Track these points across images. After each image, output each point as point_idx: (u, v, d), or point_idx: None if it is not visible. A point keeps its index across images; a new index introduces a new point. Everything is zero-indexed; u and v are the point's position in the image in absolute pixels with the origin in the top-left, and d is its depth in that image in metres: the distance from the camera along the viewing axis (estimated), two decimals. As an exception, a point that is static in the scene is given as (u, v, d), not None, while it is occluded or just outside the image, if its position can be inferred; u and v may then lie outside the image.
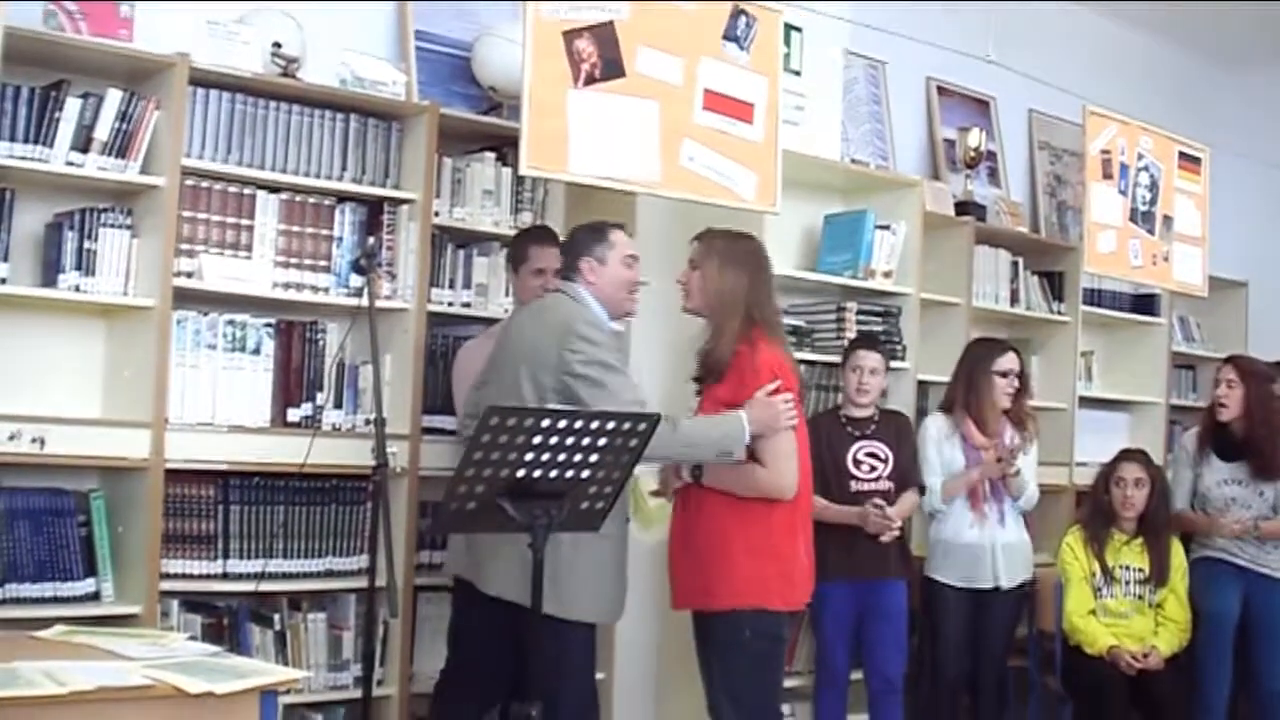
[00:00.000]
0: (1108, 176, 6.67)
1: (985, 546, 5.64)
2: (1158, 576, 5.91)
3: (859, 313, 6.13)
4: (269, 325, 4.81)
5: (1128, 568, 5.93)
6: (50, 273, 4.42)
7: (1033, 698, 6.20)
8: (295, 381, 4.88)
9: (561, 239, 5.00)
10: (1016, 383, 5.79)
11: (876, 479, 5.52)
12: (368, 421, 4.32)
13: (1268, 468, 6.13)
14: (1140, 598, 5.91)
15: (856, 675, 5.68)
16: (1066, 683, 5.95)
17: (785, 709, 5.92)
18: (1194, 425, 6.60)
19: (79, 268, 4.41)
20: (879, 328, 6.15)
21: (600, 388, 4.23)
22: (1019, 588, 5.77)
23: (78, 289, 4.41)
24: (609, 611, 4.45)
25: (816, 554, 4.69)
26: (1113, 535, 5.96)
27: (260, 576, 4.70)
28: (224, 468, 4.65)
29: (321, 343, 4.93)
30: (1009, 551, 5.69)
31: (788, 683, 5.94)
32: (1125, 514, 5.97)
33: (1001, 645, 5.78)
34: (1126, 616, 5.88)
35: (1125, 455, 6.11)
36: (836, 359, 5.88)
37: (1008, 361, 5.77)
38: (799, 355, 5.95)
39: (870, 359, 5.58)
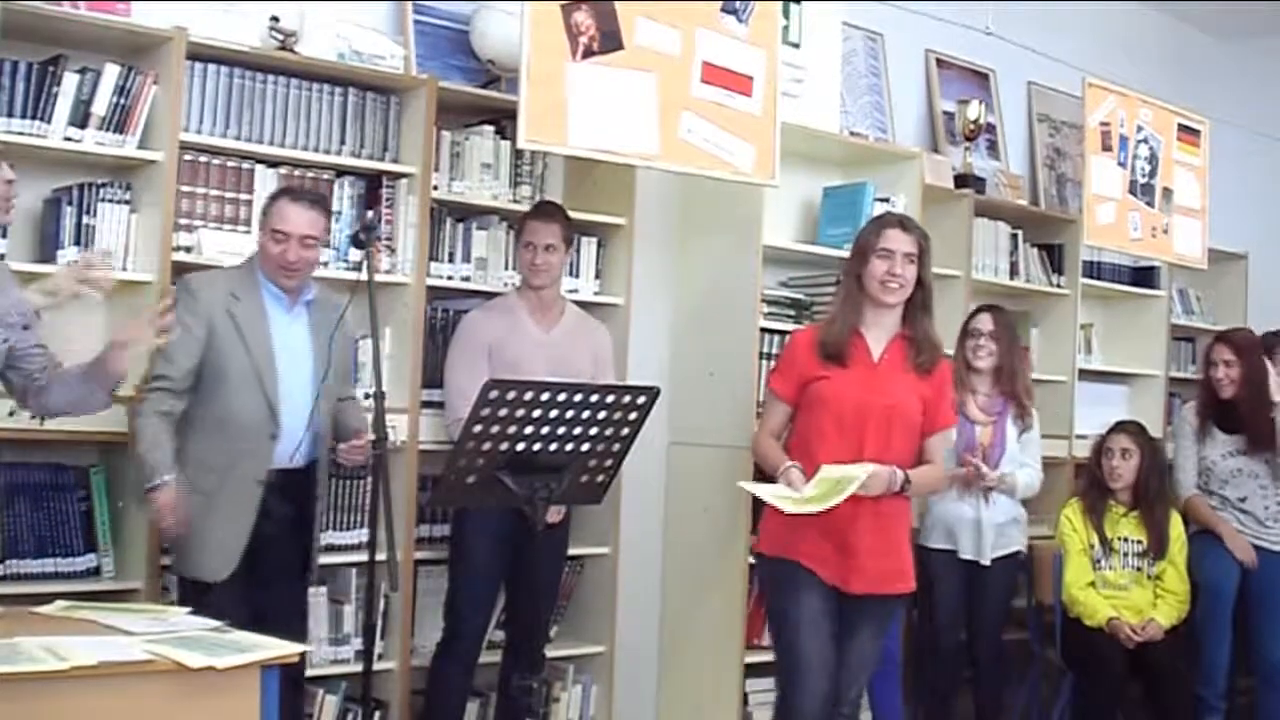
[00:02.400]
0: (1107, 149, 6.66)
1: (972, 520, 5.62)
2: (1156, 548, 5.91)
3: (858, 286, 6.12)
4: (268, 299, 4.82)
5: (1126, 539, 5.92)
6: (49, 248, 4.42)
7: (1033, 670, 6.22)
8: (295, 356, 4.88)
9: (566, 214, 5.05)
10: (990, 344, 5.67)
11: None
12: (367, 395, 4.32)
13: (1266, 441, 6.12)
14: (1139, 569, 5.91)
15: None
16: (1066, 654, 5.96)
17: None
18: (1193, 398, 6.59)
19: (78, 243, 4.41)
20: (878, 300, 6.14)
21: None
22: (1011, 556, 5.74)
23: (76, 264, 4.40)
24: (202, 568, 4.23)
25: None
26: (1110, 507, 5.95)
27: (261, 550, 4.71)
28: (224, 442, 4.65)
29: (321, 317, 4.93)
30: (997, 530, 5.66)
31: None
32: (1114, 485, 5.96)
33: (996, 615, 5.77)
34: (1125, 588, 5.88)
35: (1115, 427, 6.10)
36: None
37: (974, 321, 5.72)
38: (799, 328, 5.96)
39: None
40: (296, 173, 4.85)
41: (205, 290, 4.27)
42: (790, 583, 4.42)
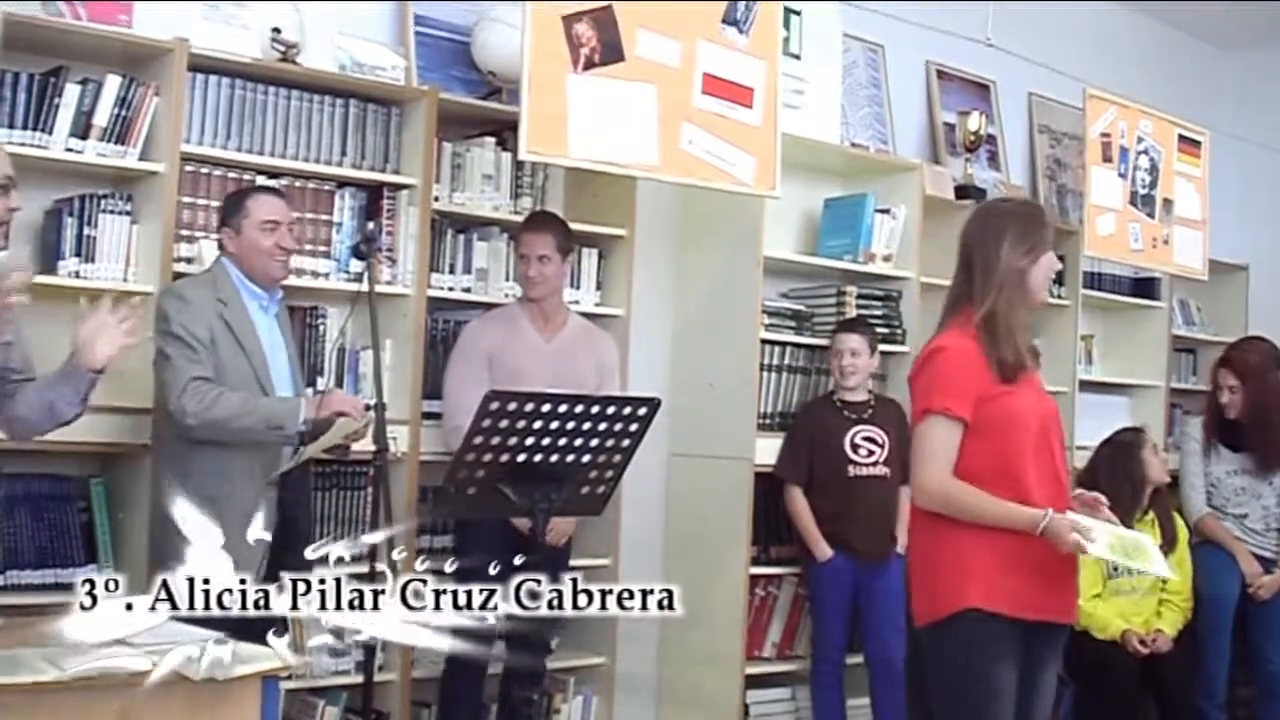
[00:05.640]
0: (1107, 160, 6.66)
1: None
2: (1169, 543, 5.86)
3: (859, 297, 6.12)
4: (269, 310, 4.81)
5: (1137, 545, 5.92)
6: (50, 259, 4.41)
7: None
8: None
9: (562, 223, 5.06)
10: None
11: (874, 463, 5.54)
12: (368, 406, 4.32)
13: (1272, 460, 6.11)
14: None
15: (855, 660, 5.68)
16: (1070, 666, 5.92)
17: (784, 692, 5.96)
18: (1195, 411, 6.58)
19: (79, 254, 4.41)
20: (879, 312, 6.15)
21: (165, 359, 4.16)
22: None
23: (77, 275, 4.40)
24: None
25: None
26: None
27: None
28: (224, 453, 4.64)
29: (322, 328, 4.93)
30: None
31: (786, 666, 5.98)
32: (1161, 484, 5.96)
33: None
34: (1133, 594, 5.85)
35: (1132, 431, 6.08)
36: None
37: None
38: (799, 340, 5.97)
39: (850, 341, 5.59)
40: (297, 184, 4.86)
41: (195, 296, 4.21)
42: (996, 644, 3.69)
